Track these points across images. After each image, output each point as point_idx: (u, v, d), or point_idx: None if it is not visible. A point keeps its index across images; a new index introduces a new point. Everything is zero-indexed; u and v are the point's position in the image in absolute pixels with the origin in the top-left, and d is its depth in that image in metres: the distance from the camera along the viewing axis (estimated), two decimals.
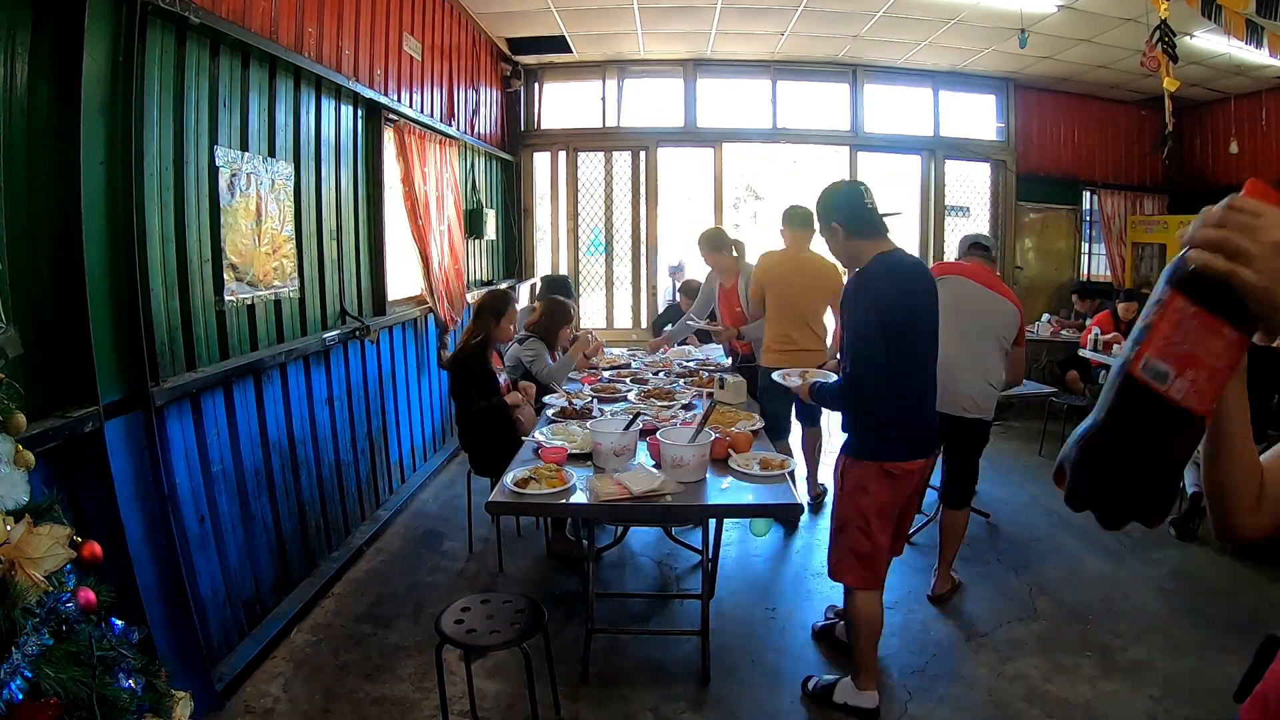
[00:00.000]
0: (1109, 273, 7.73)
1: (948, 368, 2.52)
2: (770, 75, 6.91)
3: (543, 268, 7.22)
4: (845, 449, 2.36)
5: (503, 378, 3.48)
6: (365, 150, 3.78)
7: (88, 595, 1.20)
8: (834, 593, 3.15)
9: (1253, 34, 3.96)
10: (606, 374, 3.88)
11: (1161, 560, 3.51)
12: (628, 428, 2.57)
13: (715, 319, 4.36)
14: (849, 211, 2.27)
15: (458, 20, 5.32)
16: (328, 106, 3.38)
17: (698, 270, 5.61)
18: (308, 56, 3.14)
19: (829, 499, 2.90)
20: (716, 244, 4.17)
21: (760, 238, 7.20)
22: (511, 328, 3.55)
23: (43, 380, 1.86)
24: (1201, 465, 0.82)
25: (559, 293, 4.44)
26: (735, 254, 4.16)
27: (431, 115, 4.68)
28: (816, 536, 3.74)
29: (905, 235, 7.53)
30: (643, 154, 6.95)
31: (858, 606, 2.36)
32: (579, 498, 2.26)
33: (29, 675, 1.05)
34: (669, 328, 4.81)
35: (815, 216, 2.42)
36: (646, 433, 2.72)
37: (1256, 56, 5.04)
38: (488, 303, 3.45)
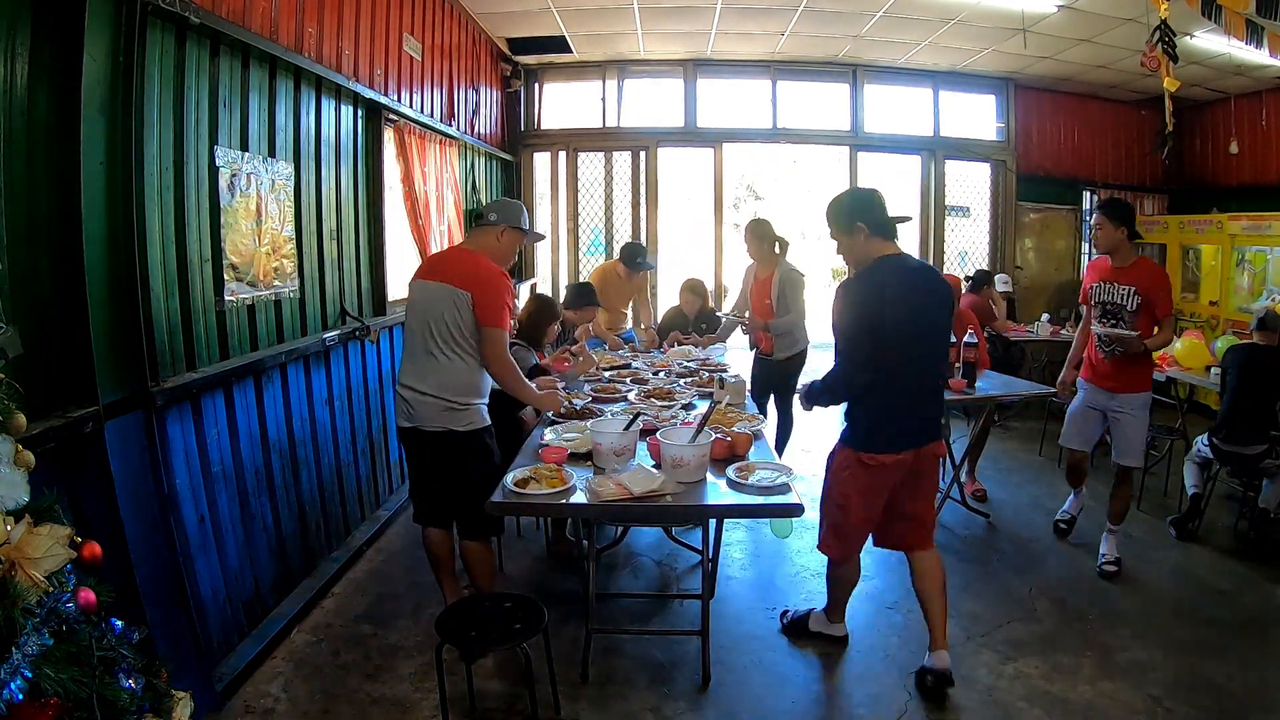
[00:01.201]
0: None
1: None
2: (770, 75, 6.91)
3: (543, 268, 7.23)
4: (841, 434, 2.53)
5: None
6: (365, 150, 3.78)
7: (88, 595, 1.20)
8: None
9: (1253, 34, 3.95)
10: (607, 374, 3.88)
11: (1161, 560, 3.51)
12: (628, 428, 2.57)
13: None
14: (874, 214, 2.43)
15: (458, 20, 5.32)
16: (328, 106, 3.38)
17: (694, 270, 5.63)
18: (308, 57, 3.14)
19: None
20: (761, 234, 4.31)
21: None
22: (552, 329, 3.59)
23: (43, 380, 1.86)
24: None
25: (584, 299, 4.32)
26: (778, 250, 4.29)
27: (431, 115, 4.68)
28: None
29: (906, 235, 7.53)
30: (643, 154, 6.95)
31: (834, 574, 2.71)
32: (579, 498, 2.26)
33: (29, 675, 1.05)
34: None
35: (833, 215, 2.50)
36: (646, 433, 2.72)
37: (1256, 56, 5.03)
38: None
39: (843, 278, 2.56)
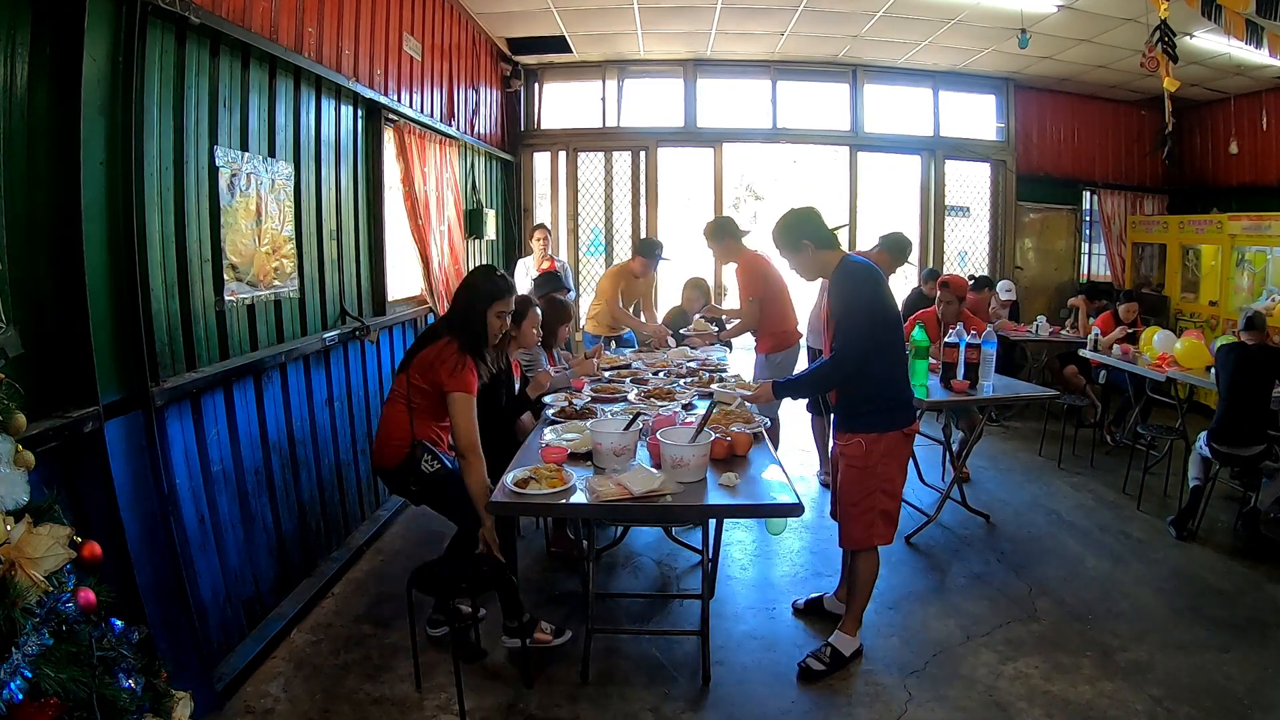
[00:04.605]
0: (1109, 273, 7.73)
1: None
2: (770, 75, 6.91)
3: None
4: (861, 428, 2.58)
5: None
6: (365, 150, 3.78)
7: (88, 595, 1.20)
8: (832, 588, 3.16)
9: (1253, 34, 3.96)
10: (607, 374, 3.88)
11: (1161, 560, 3.51)
12: (628, 428, 2.57)
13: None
14: (816, 229, 2.64)
15: (458, 20, 5.32)
16: (328, 106, 3.38)
17: (693, 270, 5.59)
18: (308, 56, 3.14)
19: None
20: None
21: (761, 237, 7.18)
22: (535, 331, 3.37)
23: (43, 380, 1.86)
24: None
25: (551, 288, 4.24)
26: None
27: (431, 115, 4.68)
28: (818, 535, 3.74)
29: (908, 235, 7.52)
30: (643, 154, 6.95)
31: (873, 563, 2.67)
32: (579, 498, 2.26)
33: (29, 675, 1.05)
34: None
35: (779, 237, 2.70)
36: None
37: (1256, 56, 5.04)
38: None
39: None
